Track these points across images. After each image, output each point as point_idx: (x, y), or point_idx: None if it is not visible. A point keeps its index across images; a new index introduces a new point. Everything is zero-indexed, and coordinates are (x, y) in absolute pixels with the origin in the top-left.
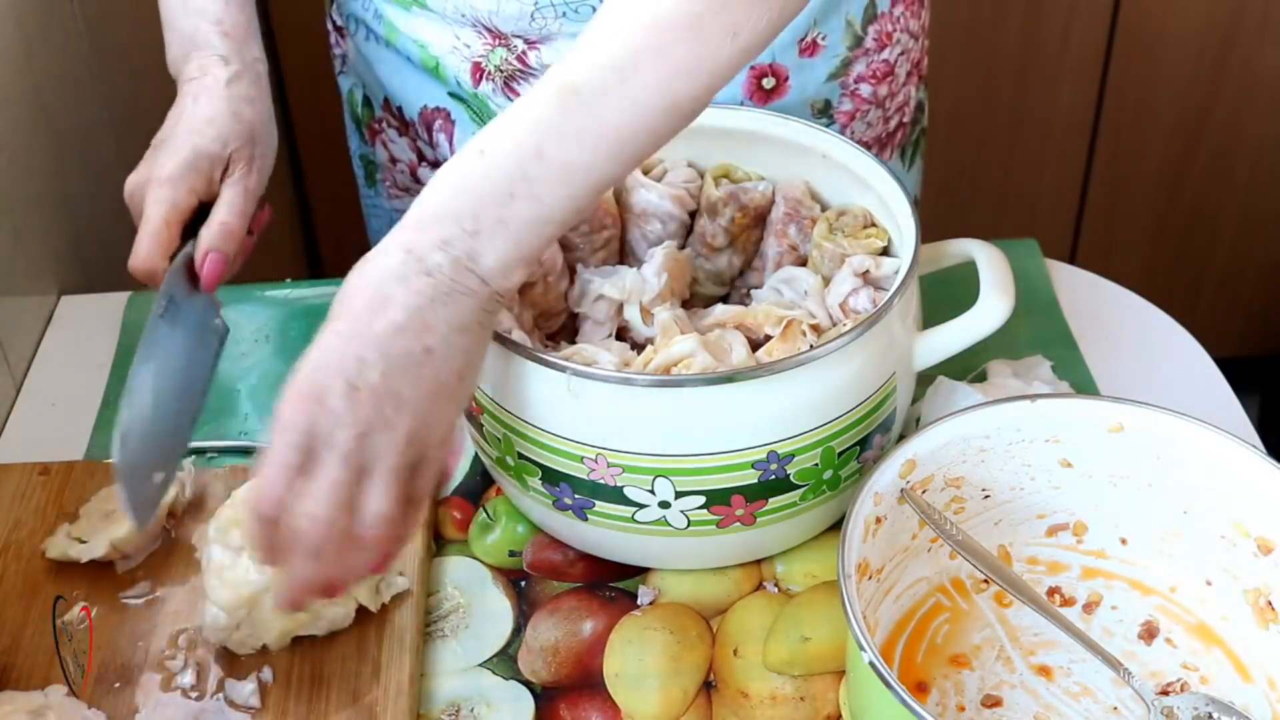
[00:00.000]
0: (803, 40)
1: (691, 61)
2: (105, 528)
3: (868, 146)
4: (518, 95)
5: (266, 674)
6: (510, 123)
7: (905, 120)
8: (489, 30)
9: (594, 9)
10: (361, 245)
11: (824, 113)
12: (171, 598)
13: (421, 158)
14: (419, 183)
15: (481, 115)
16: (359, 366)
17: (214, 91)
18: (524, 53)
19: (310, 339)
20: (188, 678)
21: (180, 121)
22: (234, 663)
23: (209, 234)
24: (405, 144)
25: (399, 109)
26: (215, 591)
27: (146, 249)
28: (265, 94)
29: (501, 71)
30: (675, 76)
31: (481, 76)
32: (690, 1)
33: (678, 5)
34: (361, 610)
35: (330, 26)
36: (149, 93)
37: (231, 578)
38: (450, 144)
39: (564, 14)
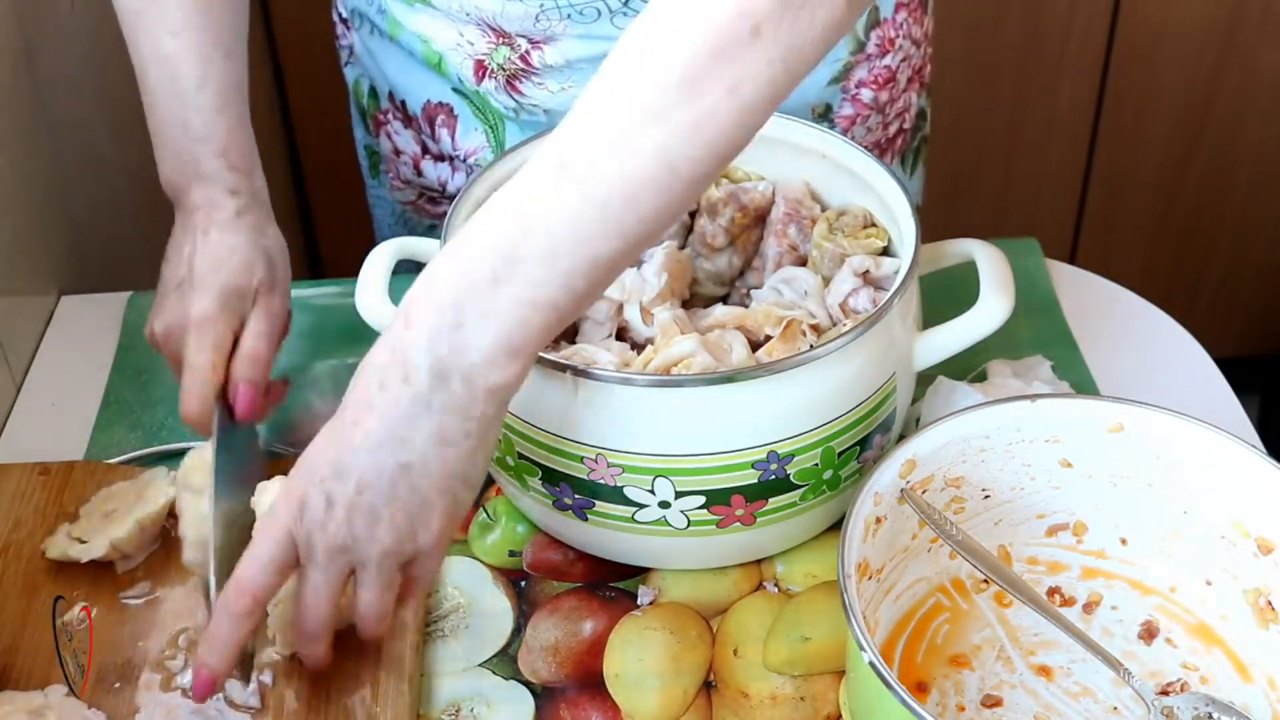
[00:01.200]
0: None
1: (687, 125)
2: (105, 528)
3: (875, 155)
4: (520, 94)
5: (266, 675)
6: (499, 205)
7: (906, 127)
8: (493, 29)
9: (599, 12)
10: (362, 244)
11: (824, 117)
12: (171, 597)
13: (425, 150)
14: (421, 175)
15: (484, 111)
16: (336, 478)
17: (228, 225)
18: (527, 52)
19: (310, 339)
20: (188, 678)
21: (198, 258)
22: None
23: (240, 365)
24: (410, 136)
25: (403, 103)
26: (190, 530)
27: (199, 397)
28: (272, 217)
29: (504, 70)
30: (672, 141)
31: (484, 74)
32: (685, 58)
33: (671, 64)
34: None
35: (336, 18)
36: None
37: (196, 517)
38: (453, 139)
39: (569, 16)
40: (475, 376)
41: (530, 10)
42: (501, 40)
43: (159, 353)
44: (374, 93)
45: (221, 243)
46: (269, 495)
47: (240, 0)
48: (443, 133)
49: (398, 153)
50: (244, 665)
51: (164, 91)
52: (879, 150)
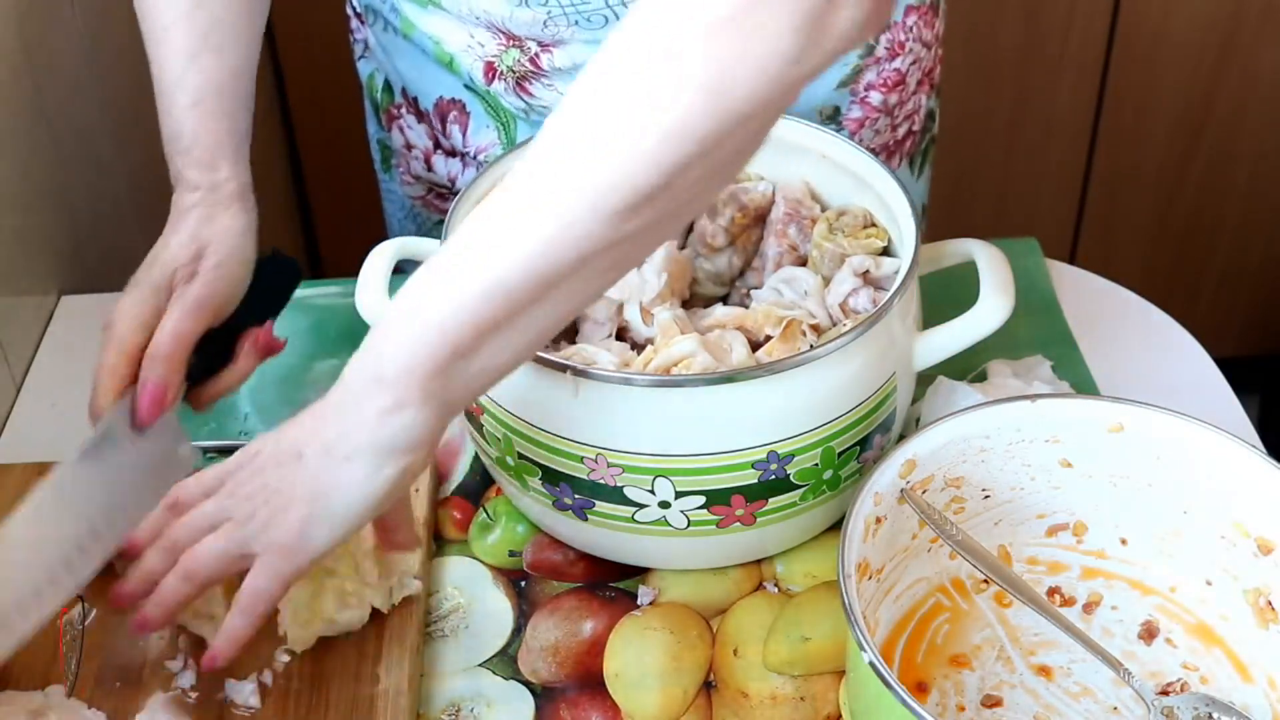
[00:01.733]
0: None
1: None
2: None
3: (875, 155)
4: (530, 95)
5: (266, 676)
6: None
7: (915, 129)
8: (503, 32)
9: (606, 19)
10: (362, 244)
11: (832, 119)
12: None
13: (437, 145)
14: (432, 170)
15: (496, 109)
16: (258, 445)
17: (175, 222)
18: (536, 55)
19: (310, 339)
20: (187, 678)
21: (155, 261)
22: (234, 663)
23: (144, 363)
24: (422, 131)
25: (415, 98)
26: None
27: (97, 397)
28: (233, 210)
29: (514, 72)
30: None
31: (494, 75)
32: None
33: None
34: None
35: (350, 11)
36: (149, 93)
37: None
38: (464, 135)
39: (576, 22)
40: (386, 384)
41: (538, 16)
42: (511, 43)
43: None
44: (388, 87)
45: (162, 241)
46: None
47: None
48: (454, 129)
49: (409, 147)
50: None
51: (156, 89)
52: (887, 153)
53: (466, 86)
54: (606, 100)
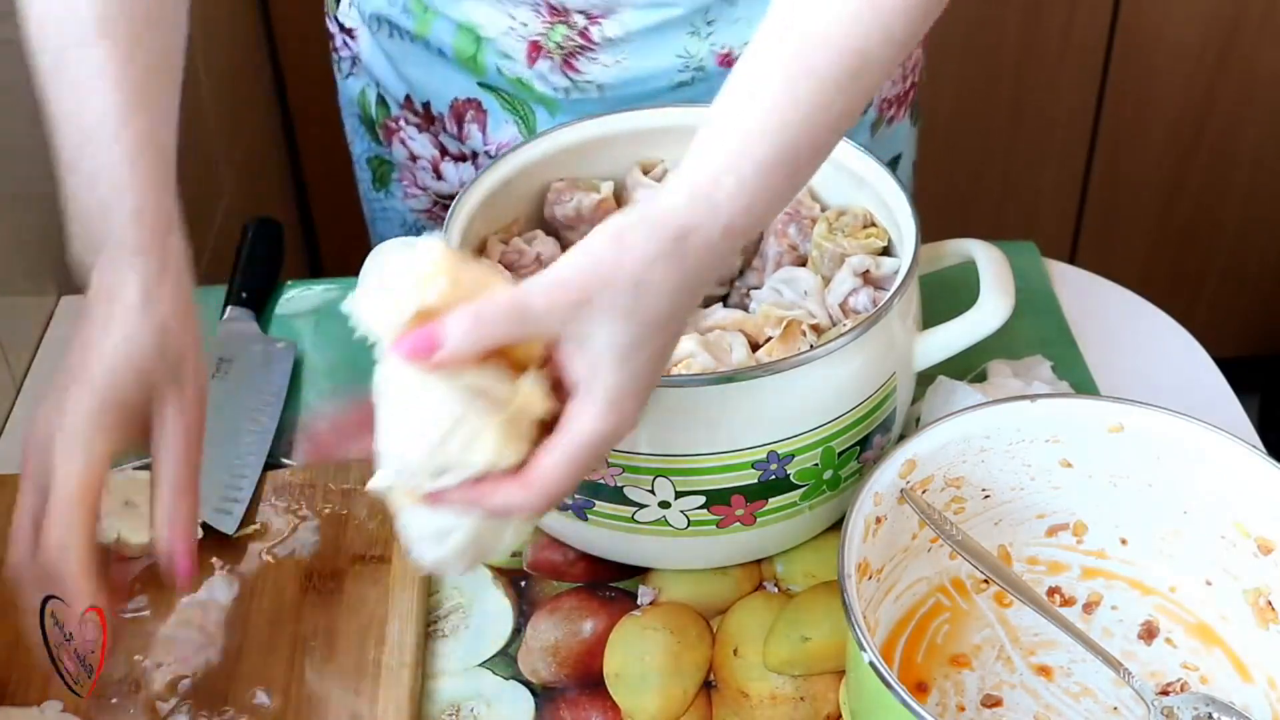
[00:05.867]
0: None
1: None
2: (122, 516)
3: (889, 106)
4: (577, 71)
5: (262, 697)
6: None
7: (916, 80)
8: (550, 7)
9: None
10: (362, 244)
11: None
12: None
13: (445, 152)
14: (441, 178)
15: (513, 102)
16: None
17: (130, 312)
18: (586, 28)
19: (310, 339)
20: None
21: (90, 350)
22: (224, 699)
23: (159, 527)
24: (426, 140)
25: (425, 104)
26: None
27: (20, 549)
28: (189, 295)
29: (562, 49)
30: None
31: (538, 55)
32: None
33: None
34: (362, 611)
35: (335, 29)
36: None
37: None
38: (483, 134)
39: None
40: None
41: None
42: (557, 18)
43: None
44: (382, 101)
45: (116, 335)
46: None
47: (169, 35)
48: (472, 128)
49: (414, 158)
50: None
51: (73, 146)
52: (897, 104)
53: (481, 84)
54: None
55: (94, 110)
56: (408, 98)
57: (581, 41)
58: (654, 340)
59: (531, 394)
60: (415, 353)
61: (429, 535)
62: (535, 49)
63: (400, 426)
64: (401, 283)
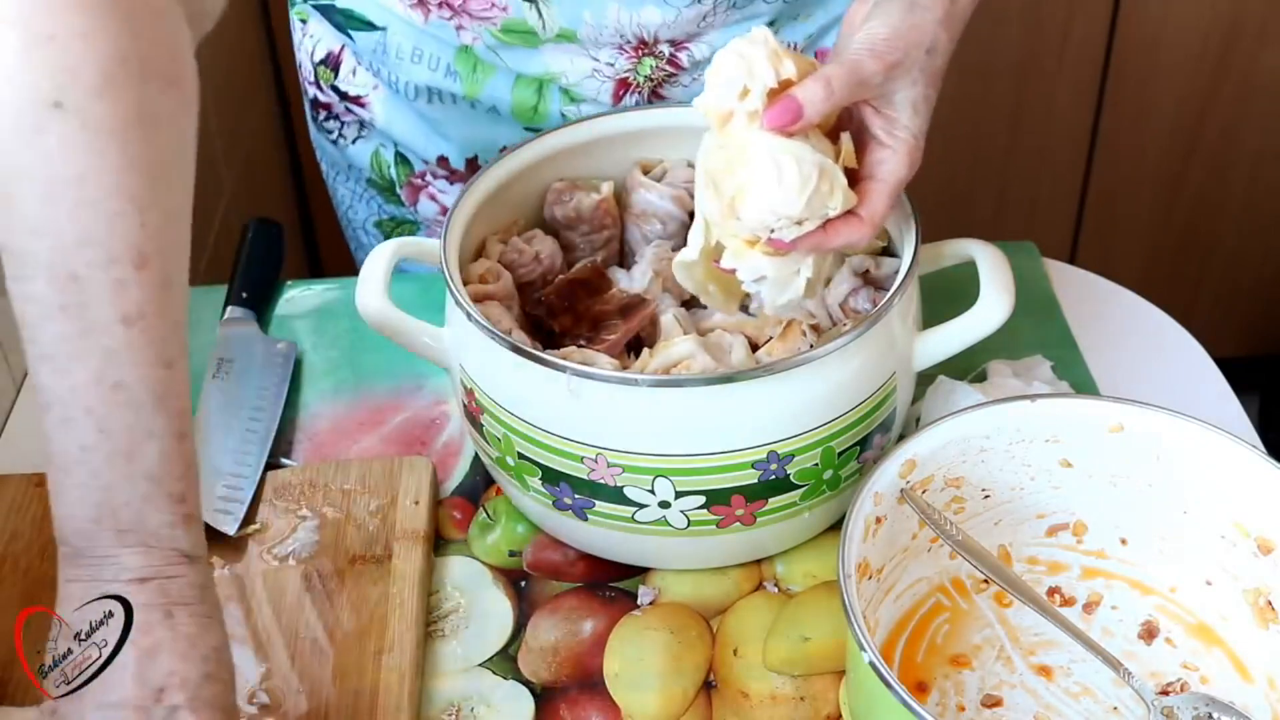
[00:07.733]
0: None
1: None
2: None
3: None
4: (664, 99)
5: (263, 696)
6: None
7: None
8: (638, 42)
9: None
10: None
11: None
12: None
13: None
14: None
15: None
16: None
17: (199, 609)
18: (673, 55)
19: (310, 338)
20: None
21: (174, 660)
22: None
23: None
24: (458, 190)
25: (470, 159)
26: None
27: None
28: (209, 574)
29: (651, 81)
30: None
31: (626, 91)
32: None
33: None
34: (363, 611)
35: (333, 98)
36: None
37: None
38: None
39: (734, 4)
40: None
41: (704, 9)
42: (643, 52)
43: None
44: (403, 159)
45: (202, 639)
46: None
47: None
48: None
49: (445, 211)
50: None
51: (101, 415)
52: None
53: (526, 129)
54: None
55: (128, 372)
56: (441, 157)
57: (670, 69)
58: (934, 94)
59: (850, 150)
60: (781, 120)
61: (773, 282)
62: (623, 86)
63: (766, 184)
64: (753, 65)
